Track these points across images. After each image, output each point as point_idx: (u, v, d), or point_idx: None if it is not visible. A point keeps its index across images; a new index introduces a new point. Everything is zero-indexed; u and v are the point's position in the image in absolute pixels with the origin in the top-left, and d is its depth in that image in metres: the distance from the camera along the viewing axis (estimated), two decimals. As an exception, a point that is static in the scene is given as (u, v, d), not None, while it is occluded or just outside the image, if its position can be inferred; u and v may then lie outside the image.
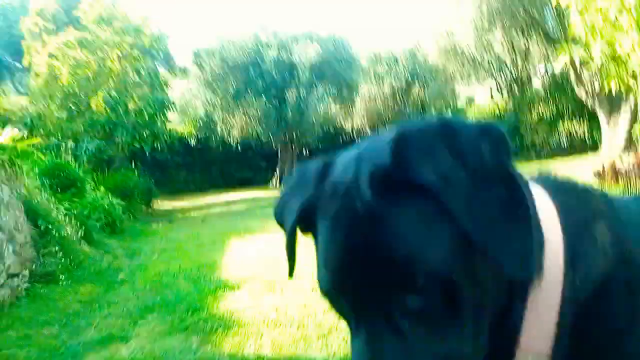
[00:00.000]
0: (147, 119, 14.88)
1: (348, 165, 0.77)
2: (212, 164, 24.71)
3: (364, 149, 0.79)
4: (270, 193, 19.39)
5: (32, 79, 14.58)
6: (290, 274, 0.91)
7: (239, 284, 5.63)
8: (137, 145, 14.70)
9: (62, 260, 6.86)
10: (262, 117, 22.03)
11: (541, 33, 16.32)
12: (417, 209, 0.69)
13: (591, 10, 6.23)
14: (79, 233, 8.38)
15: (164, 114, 15.79)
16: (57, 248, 7.00)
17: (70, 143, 14.33)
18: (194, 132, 24.55)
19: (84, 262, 7.36)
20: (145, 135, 14.81)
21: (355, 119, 26.51)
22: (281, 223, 0.92)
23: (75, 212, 8.85)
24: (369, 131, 27.51)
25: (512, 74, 20.58)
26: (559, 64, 10.17)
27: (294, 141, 23.87)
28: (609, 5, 5.98)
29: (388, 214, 0.70)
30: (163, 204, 17.71)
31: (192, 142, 24.78)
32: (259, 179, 24.34)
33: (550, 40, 15.94)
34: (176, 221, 13.25)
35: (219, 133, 23.61)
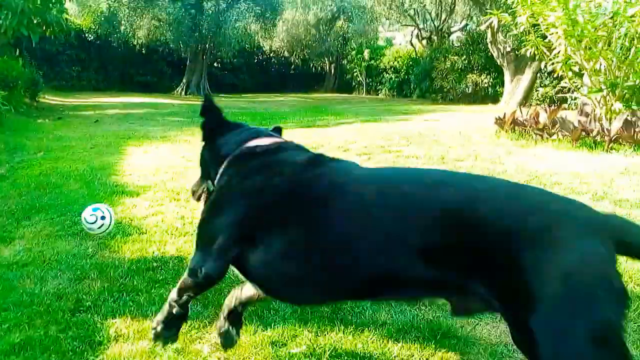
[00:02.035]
0: (39, 4, 12.87)
1: None
2: (110, 64, 22.68)
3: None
4: (174, 101, 18.39)
5: None
6: None
7: (138, 191, 5.26)
8: (25, 33, 12.76)
9: None
10: (174, 23, 20.37)
11: (471, -6, 17.65)
12: None
13: None
14: (-52, 121, 7.31)
15: (62, 4, 13.78)
16: None
17: (-63, 17, 12.11)
18: (93, 27, 22.06)
19: (-47, 153, 6.43)
20: (35, 22, 12.87)
21: (275, 41, 25.68)
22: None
23: (-57, 96, 7.65)
24: (286, 54, 26.88)
25: (434, 25, 21.41)
26: (484, 24, 11.33)
27: (206, 52, 22.60)
28: None
29: None
30: (51, 100, 16.04)
31: (90, 37, 22.32)
32: (162, 86, 22.96)
33: (477, 2, 17.31)
34: (65, 119, 12.07)
35: (122, 32, 21.55)
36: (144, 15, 21.26)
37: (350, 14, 24.40)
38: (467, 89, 18.39)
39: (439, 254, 1.40)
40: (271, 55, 27.68)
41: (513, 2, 8.31)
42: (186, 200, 4.88)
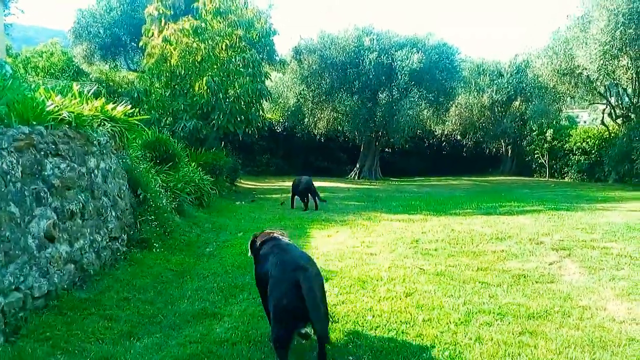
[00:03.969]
0: (243, 106, 15.17)
1: None
2: (294, 151, 25.25)
3: None
4: (349, 185, 19.28)
5: (145, 58, 15.42)
6: None
7: (327, 276, 5.42)
8: (231, 129, 15.07)
9: (157, 229, 7.11)
10: (351, 114, 21.99)
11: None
12: None
13: None
14: (172, 204, 8.71)
15: (260, 103, 16.05)
16: (152, 217, 7.26)
17: (170, 119, 15.03)
18: (281, 120, 25.07)
19: (175, 232, 7.56)
20: (239, 120, 15.13)
21: (447, 125, 25.74)
22: None
23: (170, 184, 9.21)
24: (458, 137, 26.59)
25: (631, 101, 19.16)
26: None
27: (379, 139, 23.64)
28: None
29: None
30: (245, 184, 18.22)
31: (279, 129, 25.34)
32: (338, 170, 24.53)
33: None
34: (258, 201, 13.53)
35: (306, 124, 24.01)
36: (324, 108, 23.49)
37: (529, 94, 23.37)
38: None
39: None
40: (442, 139, 27.69)
41: None
42: (373, 290, 4.88)
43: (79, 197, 5.19)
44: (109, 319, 4.13)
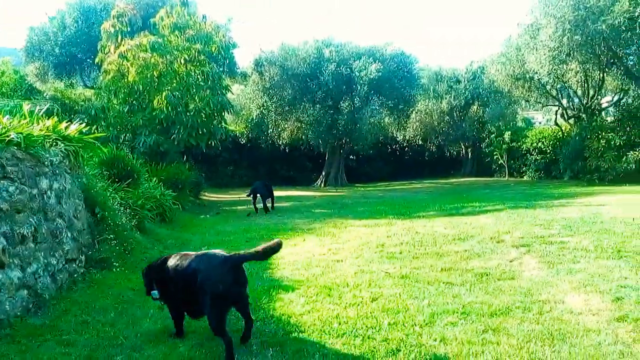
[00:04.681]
0: (204, 118, 14.95)
1: None
2: (259, 162, 25.17)
3: None
4: (315, 193, 19.30)
5: (101, 75, 15.04)
6: None
7: (293, 285, 5.41)
8: (193, 142, 14.83)
9: (116, 248, 6.91)
10: (314, 123, 22.08)
11: (621, 68, 16.80)
12: None
13: None
14: (133, 222, 8.47)
15: (222, 116, 15.86)
16: (111, 236, 7.06)
17: (129, 135, 14.68)
18: (245, 131, 24.94)
19: (136, 250, 7.37)
20: (201, 133, 14.91)
21: (408, 131, 26.20)
22: None
23: (129, 201, 8.96)
24: (420, 142, 27.12)
25: (581, 102, 20.07)
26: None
27: (343, 146, 23.82)
28: None
29: None
30: (210, 197, 17.97)
31: (242, 140, 25.19)
32: (303, 179, 24.60)
33: (631, 75, 16.40)
34: (222, 214, 13.34)
35: (269, 134, 23.96)
36: (287, 119, 23.53)
37: (485, 98, 24.09)
38: (629, 167, 16.40)
39: None
40: (405, 144, 28.16)
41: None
42: (339, 297, 4.87)
43: (31, 219, 4.98)
44: (67, 344, 3.95)
